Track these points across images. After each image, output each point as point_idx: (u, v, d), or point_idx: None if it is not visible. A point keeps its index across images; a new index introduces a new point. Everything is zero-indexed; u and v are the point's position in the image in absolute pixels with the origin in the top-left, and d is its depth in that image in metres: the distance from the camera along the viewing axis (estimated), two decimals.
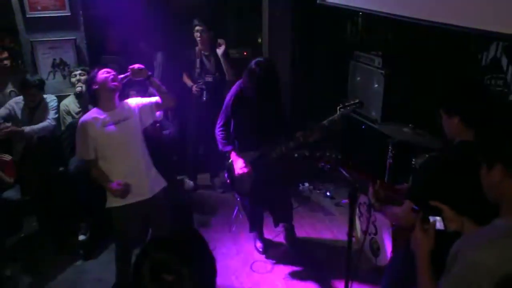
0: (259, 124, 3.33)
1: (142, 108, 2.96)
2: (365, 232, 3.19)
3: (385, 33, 4.48)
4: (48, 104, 3.92)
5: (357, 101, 3.25)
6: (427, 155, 3.07)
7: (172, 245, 1.14)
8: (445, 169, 1.93)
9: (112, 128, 2.82)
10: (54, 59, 4.23)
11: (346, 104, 3.25)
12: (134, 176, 2.87)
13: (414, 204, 1.86)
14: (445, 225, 1.62)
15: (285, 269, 3.50)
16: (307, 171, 4.57)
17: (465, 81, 2.37)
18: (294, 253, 3.68)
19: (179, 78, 4.50)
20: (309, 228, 4.02)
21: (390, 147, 3.53)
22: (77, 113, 3.91)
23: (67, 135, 3.70)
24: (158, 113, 3.14)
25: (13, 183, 3.82)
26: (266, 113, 3.31)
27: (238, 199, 3.70)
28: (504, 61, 3.29)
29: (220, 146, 3.44)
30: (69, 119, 3.88)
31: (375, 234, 3.31)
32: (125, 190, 2.82)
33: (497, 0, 2.53)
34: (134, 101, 2.99)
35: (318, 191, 4.62)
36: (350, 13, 4.65)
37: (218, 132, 3.42)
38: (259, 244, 3.73)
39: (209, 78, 4.35)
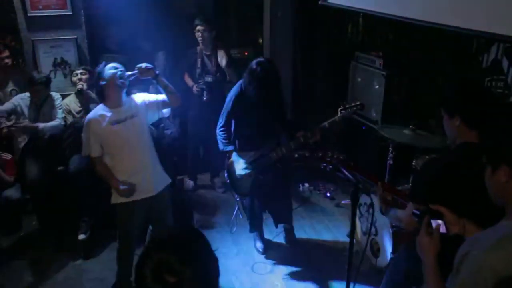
0: (259, 124, 3.33)
1: (149, 105, 2.95)
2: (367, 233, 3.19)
3: (386, 34, 4.49)
4: (55, 102, 3.93)
5: (358, 103, 3.26)
6: (427, 157, 3.09)
7: (175, 245, 1.14)
8: (446, 171, 1.93)
9: (119, 126, 2.81)
10: (55, 58, 4.22)
11: (347, 106, 3.26)
12: (140, 173, 2.88)
13: (415, 205, 1.85)
14: (447, 228, 1.61)
15: (285, 270, 3.50)
16: (307, 171, 4.57)
17: (466, 81, 2.37)
18: (294, 254, 3.68)
19: (180, 78, 4.49)
20: (309, 228, 4.02)
21: (390, 148, 3.53)
22: (77, 112, 3.91)
23: (68, 134, 3.70)
24: (165, 111, 3.14)
25: (13, 182, 3.83)
26: (267, 114, 3.31)
27: (238, 199, 3.70)
28: (505, 63, 3.30)
29: (220, 146, 3.44)
30: (70, 118, 3.88)
31: (375, 235, 3.31)
32: (130, 190, 2.83)
33: (498, 2, 2.54)
34: (141, 97, 2.97)
35: (318, 192, 4.61)
36: (351, 14, 4.65)
37: (219, 132, 3.42)
38: (259, 245, 3.73)
39: (209, 78, 4.35)
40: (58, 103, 3.89)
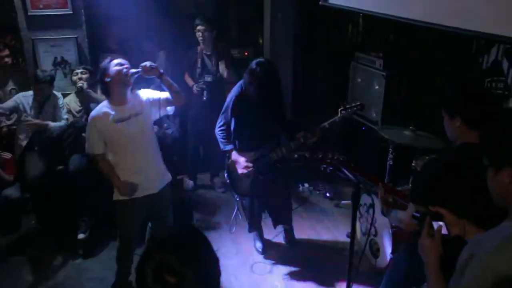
0: (259, 125, 3.33)
1: (153, 102, 2.93)
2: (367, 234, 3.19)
3: (386, 34, 4.49)
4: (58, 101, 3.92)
5: (358, 103, 3.26)
6: (427, 157, 3.09)
7: (176, 245, 1.14)
8: (446, 171, 1.93)
9: (122, 124, 2.78)
10: (55, 57, 4.22)
11: (347, 106, 3.26)
12: (144, 170, 2.88)
13: (416, 206, 1.85)
14: (448, 230, 1.61)
15: (284, 270, 3.50)
16: (307, 172, 4.57)
17: (467, 82, 2.37)
18: (293, 254, 3.68)
19: (180, 77, 4.49)
20: (308, 228, 4.03)
21: (390, 149, 3.53)
22: (77, 112, 3.91)
23: (68, 134, 3.70)
24: (169, 108, 3.13)
25: (13, 181, 3.82)
26: (267, 114, 3.31)
27: (238, 199, 3.70)
28: (505, 64, 3.30)
29: (221, 146, 3.44)
30: (70, 118, 3.88)
31: (375, 235, 3.31)
32: (131, 190, 2.83)
33: (498, 3, 2.54)
34: (145, 94, 2.94)
35: (318, 192, 4.62)
36: (351, 14, 4.65)
37: (219, 132, 3.42)
38: (258, 245, 3.74)
39: (209, 78, 4.35)
40: (61, 103, 3.89)
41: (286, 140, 3.40)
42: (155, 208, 3.02)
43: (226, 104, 3.40)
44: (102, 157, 2.85)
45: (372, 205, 2.28)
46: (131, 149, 2.83)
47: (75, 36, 4.24)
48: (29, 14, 4.08)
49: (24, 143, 3.80)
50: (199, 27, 4.26)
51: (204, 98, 4.33)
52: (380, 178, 3.36)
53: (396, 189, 2.34)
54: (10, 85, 4.12)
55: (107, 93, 2.82)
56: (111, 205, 2.93)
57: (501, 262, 1.20)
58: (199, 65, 4.37)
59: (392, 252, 3.03)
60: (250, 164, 3.31)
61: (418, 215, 1.71)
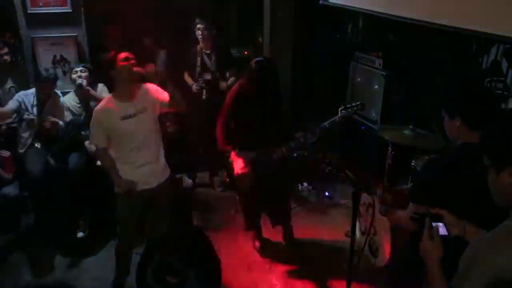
0: (259, 124, 3.33)
1: (157, 100, 2.89)
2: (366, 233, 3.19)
3: (386, 34, 4.49)
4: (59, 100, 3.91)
5: (358, 103, 3.26)
6: (427, 157, 3.09)
7: (178, 246, 1.13)
8: (446, 171, 1.93)
9: (127, 121, 2.74)
10: (55, 56, 4.21)
11: (348, 105, 3.26)
12: (146, 166, 2.87)
13: (415, 206, 1.85)
14: (448, 231, 1.61)
15: (283, 269, 3.50)
16: (306, 171, 4.56)
17: (467, 82, 2.37)
18: (292, 253, 3.68)
19: (180, 76, 4.49)
20: (307, 228, 4.02)
21: (389, 148, 3.53)
22: (76, 110, 3.90)
23: (67, 132, 3.69)
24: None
25: (12, 179, 3.81)
26: (266, 113, 3.31)
27: (237, 198, 3.69)
28: (504, 64, 3.30)
29: (220, 145, 3.43)
30: (69, 116, 3.87)
31: (374, 234, 3.31)
32: (130, 191, 2.82)
33: (497, 2, 2.54)
34: (153, 89, 2.89)
35: (317, 192, 4.61)
36: (351, 13, 4.65)
37: (218, 131, 3.42)
38: (257, 244, 3.73)
39: (209, 77, 4.34)
40: (62, 102, 3.88)
41: (285, 139, 3.40)
42: (154, 203, 3.01)
43: (225, 103, 3.39)
44: (104, 151, 2.83)
45: (372, 205, 2.28)
46: (134, 146, 2.81)
47: (75, 34, 4.23)
48: (28, 12, 4.08)
49: (29, 141, 3.79)
50: (199, 26, 4.26)
51: (204, 97, 4.33)
52: (379, 177, 3.37)
53: (396, 189, 2.35)
54: (9, 83, 4.10)
55: (112, 87, 2.79)
56: (110, 204, 2.92)
57: (504, 262, 1.20)
58: (198, 63, 4.37)
59: (392, 252, 3.02)
60: (249, 164, 3.31)
61: (417, 216, 1.71)
